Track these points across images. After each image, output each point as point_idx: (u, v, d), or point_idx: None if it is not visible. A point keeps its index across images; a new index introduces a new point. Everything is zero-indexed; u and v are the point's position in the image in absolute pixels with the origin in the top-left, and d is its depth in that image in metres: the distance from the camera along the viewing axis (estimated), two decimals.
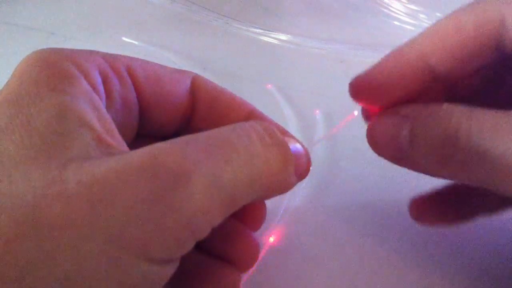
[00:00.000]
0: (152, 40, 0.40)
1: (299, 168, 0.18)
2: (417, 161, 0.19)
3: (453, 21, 0.19)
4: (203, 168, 0.14)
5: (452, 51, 0.19)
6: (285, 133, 0.20)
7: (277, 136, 0.17)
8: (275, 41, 0.40)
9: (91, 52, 0.18)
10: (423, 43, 0.19)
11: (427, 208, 0.23)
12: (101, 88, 0.17)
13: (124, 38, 0.40)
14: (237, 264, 0.20)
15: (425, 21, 0.42)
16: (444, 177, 0.19)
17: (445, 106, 0.18)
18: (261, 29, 0.41)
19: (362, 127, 0.25)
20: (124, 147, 0.16)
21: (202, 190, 0.14)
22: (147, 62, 0.20)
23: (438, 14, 0.42)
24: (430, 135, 0.18)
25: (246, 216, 0.21)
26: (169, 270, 0.15)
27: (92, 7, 0.45)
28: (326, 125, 0.31)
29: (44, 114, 0.15)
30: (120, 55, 0.19)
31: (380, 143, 0.20)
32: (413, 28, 0.42)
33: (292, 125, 0.32)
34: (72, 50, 0.17)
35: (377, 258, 0.24)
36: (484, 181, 0.17)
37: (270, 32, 0.41)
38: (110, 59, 0.18)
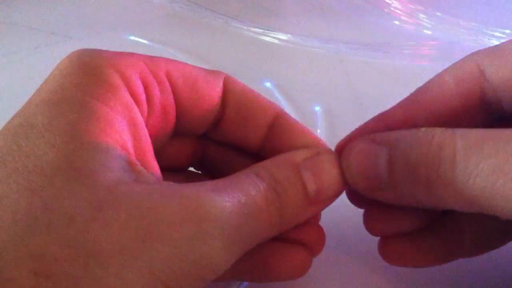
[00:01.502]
0: (152, 39, 0.40)
1: (325, 191, 0.18)
2: (397, 189, 0.17)
3: (436, 80, 0.19)
4: (233, 219, 0.15)
5: (437, 111, 0.19)
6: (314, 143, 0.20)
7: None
8: (275, 41, 0.41)
9: (132, 56, 0.18)
10: (408, 105, 0.20)
11: (398, 249, 0.21)
12: (143, 97, 0.17)
13: (124, 37, 0.40)
14: (308, 246, 0.20)
15: (425, 21, 0.42)
16: (424, 204, 0.17)
17: (424, 128, 0.17)
18: (261, 28, 0.41)
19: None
20: (155, 170, 0.17)
21: (229, 241, 0.15)
22: (184, 64, 0.20)
23: (438, 14, 0.42)
24: (411, 158, 0.17)
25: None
26: None
27: (92, 6, 0.45)
28: (326, 125, 0.31)
29: (86, 124, 0.15)
30: (159, 58, 0.19)
31: (356, 174, 0.18)
32: (413, 28, 0.42)
33: None
34: (115, 55, 0.17)
35: (378, 258, 0.24)
36: (473, 203, 0.16)
37: (270, 32, 0.41)
38: (151, 64, 0.18)
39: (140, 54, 0.19)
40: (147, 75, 0.18)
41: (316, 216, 0.21)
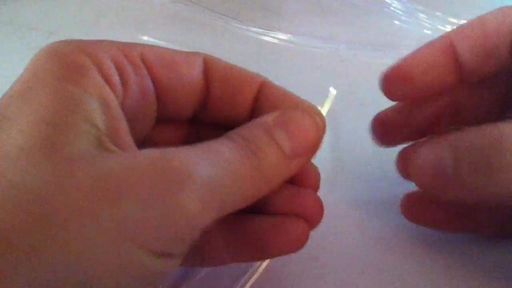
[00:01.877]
0: (152, 39, 0.40)
1: (300, 146, 0.18)
2: (462, 182, 0.18)
3: (479, 18, 0.21)
4: (202, 170, 0.15)
5: (476, 41, 0.20)
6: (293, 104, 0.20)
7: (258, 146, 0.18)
8: (275, 41, 0.41)
9: (104, 42, 0.18)
10: (451, 33, 0.21)
11: (420, 207, 0.23)
12: (116, 78, 0.18)
13: (123, 36, 0.40)
14: (305, 218, 0.20)
15: (425, 21, 0.42)
16: (489, 196, 0.19)
17: (484, 125, 0.18)
18: (261, 28, 0.41)
19: (365, 128, 0.25)
20: (131, 149, 0.17)
21: (202, 191, 0.15)
22: (160, 47, 0.20)
23: (438, 14, 0.42)
24: (474, 149, 0.18)
25: (302, 180, 0.21)
26: (171, 266, 0.15)
27: (92, 6, 0.45)
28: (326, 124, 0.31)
29: (53, 106, 0.15)
30: (133, 43, 0.19)
31: (423, 172, 0.19)
32: (413, 28, 0.42)
33: None
34: (85, 41, 0.17)
35: (379, 258, 0.24)
36: None
37: (270, 32, 0.41)
38: (124, 48, 0.19)
39: (114, 41, 0.19)
40: (120, 58, 0.18)
41: (314, 186, 0.21)
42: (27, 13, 0.44)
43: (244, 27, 0.42)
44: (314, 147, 0.19)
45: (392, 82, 0.22)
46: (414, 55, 0.21)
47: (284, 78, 0.36)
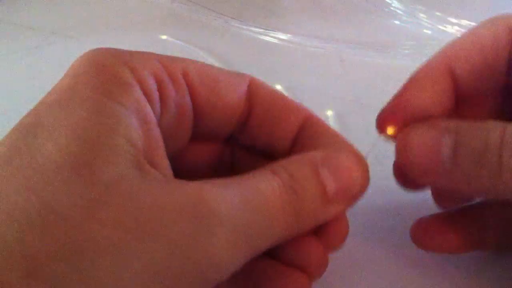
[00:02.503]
0: (152, 39, 0.40)
1: (344, 189, 0.18)
2: (459, 174, 0.18)
3: (473, 33, 0.20)
4: (237, 214, 0.15)
5: (474, 61, 0.20)
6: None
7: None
8: (275, 40, 0.40)
9: (147, 55, 0.18)
10: (447, 54, 0.20)
11: (431, 232, 0.22)
12: (156, 95, 0.17)
13: (123, 36, 0.40)
14: (308, 271, 0.19)
15: (425, 21, 0.42)
16: (484, 191, 0.18)
17: (488, 121, 0.18)
18: (261, 28, 0.41)
19: (365, 128, 0.25)
20: (166, 170, 0.16)
21: (234, 237, 0.15)
22: (204, 65, 0.19)
23: (438, 14, 0.42)
24: (475, 143, 0.17)
25: (327, 232, 0.19)
26: None
27: (92, 6, 0.45)
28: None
29: (92, 121, 0.14)
30: (177, 58, 0.19)
31: (417, 157, 0.18)
32: (413, 28, 0.42)
33: None
34: (128, 53, 0.17)
35: (378, 262, 0.24)
36: None
37: (270, 32, 0.41)
38: (166, 63, 0.18)
39: (156, 53, 0.18)
40: (161, 74, 0.18)
41: (338, 240, 0.20)
42: (27, 13, 0.44)
43: (244, 27, 0.42)
44: (357, 194, 0.18)
45: (393, 123, 0.20)
46: (412, 88, 0.20)
47: (284, 78, 0.37)
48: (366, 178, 0.19)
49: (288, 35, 0.40)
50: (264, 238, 0.16)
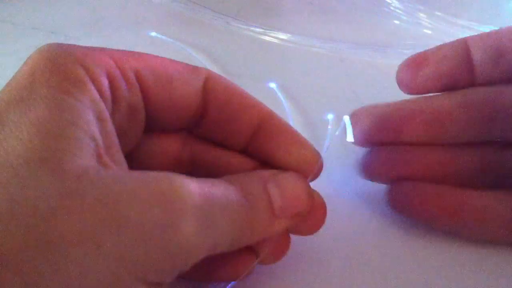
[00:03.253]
0: (152, 39, 0.40)
1: (289, 208, 0.19)
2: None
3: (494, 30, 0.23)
4: (202, 202, 0.15)
5: (489, 43, 0.22)
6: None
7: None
8: (275, 40, 0.41)
9: (100, 52, 0.18)
10: (467, 37, 0.23)
11: (411, 195, 0.23)
12: (108, 94, 0.17)
13: (122, 36, 0.40)
14: (257, 254, 0.20)
15: (425, 20, 0.42)
16: None
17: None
18: (261, 28, 0.41)
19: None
20: (122, 165, 0.17)
21: (200, 224, 0.15)
22: (158, 61, 0.19)
23: (438, 13, 0.42)
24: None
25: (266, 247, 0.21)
26: None
27: (92, 6, 0.45)
28: (326, 123, 0.31)
29: (53, 116, 0.15)
30: (131, 54, 0.19)
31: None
32: (413, 27, 0.42)
33: (291, 122, 0.32)
34: (81, 51, 0.17)
35: (367, 252, 0.24)
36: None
37: (270, 31, 0.41)
38: (119, 61, 0.18)
39: (111, 50, 0.18)
40: (114, 72, 0.18)
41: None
42: (27, 13, 0.44)
43: (244, 26, 0.42)
44: (301, 213, 0.19)
45: (409, 69, 0.23)
46: (431, 49, 0.23)
47: (284, 77, 0.37)
48: (309, 197, 0.19)
49: (288, 34, 0.40)
50: (224, 237, 0.17)
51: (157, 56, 0.20)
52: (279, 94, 0.34)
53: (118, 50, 0.19)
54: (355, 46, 0.39)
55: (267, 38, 0.41)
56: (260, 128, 0.20)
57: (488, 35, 0.22)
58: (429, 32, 0.41)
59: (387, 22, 0.43)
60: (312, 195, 0.20)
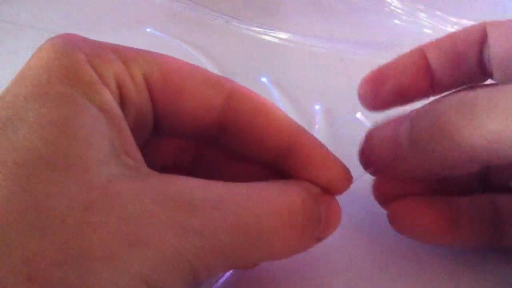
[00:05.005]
0: (152, 38, 0.40)
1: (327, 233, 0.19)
2: (417, 154, 0.19)
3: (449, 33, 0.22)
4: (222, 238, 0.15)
5: (445, 48, 0.21)
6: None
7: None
8: (275, 40, 0.41)
9: (109, 51, 0.17)
10: (424, 44, 0.22)
11: (410, 212, 0.21)
12: (117, 97, 0.17)
13: (122, 37, 0.40)
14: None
15: (425, 20, 0.42)
16: (443, 171, 0.19)
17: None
18: (261, 27, 0.41)
19: (365, 128, 0.25)
20: (143, 165, 0.16)
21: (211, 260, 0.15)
22: (172, 68, 0.18)
23: (438, 13, 0.42)
24: (426, 122, 0.18)
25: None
26: None
27: (92, 6, 0.45)
28: (326, 123, 0.31)
29: (76, 119, 0.14)
30: (142, 56, 0.18)
31: (378, 144, 0.20)
32: (413, 27, 0.42)
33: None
34: (91, 49, 0.17)
35: (368, 255, 0.24)
36: (489, 147, 0.16)
37: (270, 31, 0.41)
38: (129, 63, 0.17)
39: (120, 48, 0.18)
40: (123, 75, 0.17)
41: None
42: (27, 13, 0.44)
43: (244, 26, 0.42)
44: (326, 236, 0.19)
45: (370, 86, 0.22)
46: (389, 63, 0.22)
47: (284, 77, 0.37)
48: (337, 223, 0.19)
49: (288, 34, 0.40)
50: (248, 257, 0.17)
51: (176, 60, 0.18)
52: (277, 92, 0.34)
53: (127, 48, 0.18)
54: (355, 45, 0.39)
55: (267, 37, 0.41)
56: (289, 147, 0.19)
57: (443, 40, 0.22)
58: (429, 31, 0.41)
59: (387, 22, 0.42)
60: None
